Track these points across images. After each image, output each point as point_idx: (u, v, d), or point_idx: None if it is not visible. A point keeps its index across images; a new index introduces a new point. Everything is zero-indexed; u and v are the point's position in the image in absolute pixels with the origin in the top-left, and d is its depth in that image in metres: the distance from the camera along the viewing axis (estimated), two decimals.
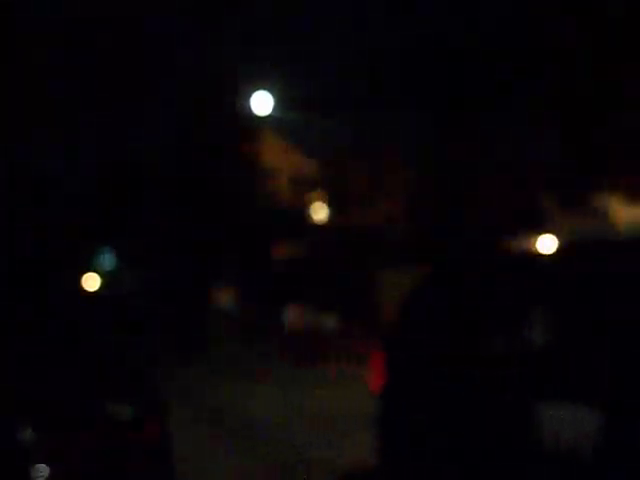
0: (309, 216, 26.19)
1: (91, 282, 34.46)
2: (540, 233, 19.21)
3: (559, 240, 17.71)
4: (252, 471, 8.61)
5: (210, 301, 21.15)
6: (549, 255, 12.41)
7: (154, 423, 6.87)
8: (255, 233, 23.66)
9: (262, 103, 20.76)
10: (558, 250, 11.59)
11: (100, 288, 33.86)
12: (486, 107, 18.53)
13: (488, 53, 18.16)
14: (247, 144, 26.27)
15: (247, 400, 13.18)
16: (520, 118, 17.71)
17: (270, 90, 20.85)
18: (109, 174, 26.85)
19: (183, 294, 22.51)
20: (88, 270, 34.25)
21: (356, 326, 18.76)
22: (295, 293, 19.80)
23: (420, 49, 21.17)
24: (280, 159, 26.68)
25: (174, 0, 25.22)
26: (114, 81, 23.61)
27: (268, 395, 13.44)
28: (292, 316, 18.21)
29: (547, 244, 18.84)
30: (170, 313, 21.49)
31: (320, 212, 26.17)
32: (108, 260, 32.61)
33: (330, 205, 25.86)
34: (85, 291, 34.06)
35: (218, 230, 23.51)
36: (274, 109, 21.04)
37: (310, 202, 26.31)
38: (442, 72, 20.04)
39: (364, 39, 25.46)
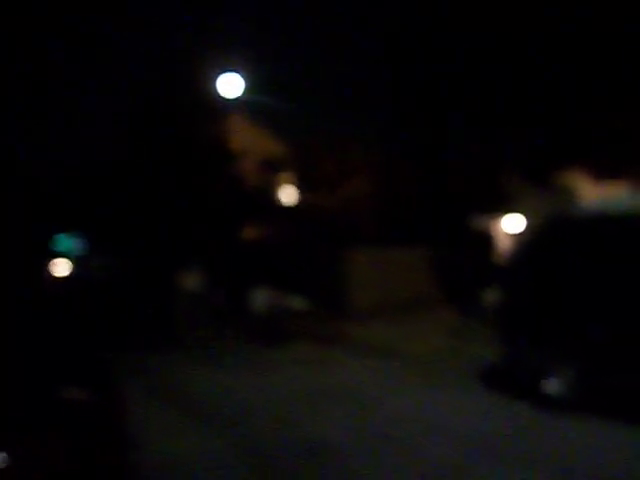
0: (278, 198, 26.13)
1: (62, 267, 34.42)
2: (507, 212, 19.33)
3: (527, 219, 17.83)
4: (221, 453, 8.61)
5: (178, 284, 21.03)
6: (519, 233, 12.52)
7: (110, 408, 6.84)
8: (223, 216, 23.58)
9: (232, 85, 20.61)
10: (526, 228, 11.73)
11: (71, 273, 33.82)
12: (454, 90, 18.57)
13: (456, 43, 18.22)
14: (215, 127, 26.10)
15: (216, 382, 13.17)
16: (486, 99, 17.76)
17: (241, 72, 20.70)
18: (76, 161, 26.62)
19: (151, 277, 22.38)
20: (58, 255, 34.20)
21: (324, 307, 18.83)
22: (263, 275, 19.76)
23: (388, 35, 21.18)
24: (248, 142, 26.54)
25: None
26: (81, 67, 23.41)
27: (236, 377, 13.45)
28: (260, 298, 18.18)
29: (515, 223, 18.99)
30: (138, 297, 21.36)
31: (289, 194, 26.12)
32: (79, 245, 32.51)
33: (299, 187, 25.81)
34: (54, 276, 33.98)
35: (186, 213, 23.38)
36: (245, 91, 20.90)
37: (279, 184, 26.25)
38: (409, 59, 20.05)
39: (337, 24, 25.42)
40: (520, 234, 17.70)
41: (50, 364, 6.71)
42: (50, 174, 28.52)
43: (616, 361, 8.71)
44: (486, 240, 20.56)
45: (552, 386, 9.27)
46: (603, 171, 15.79)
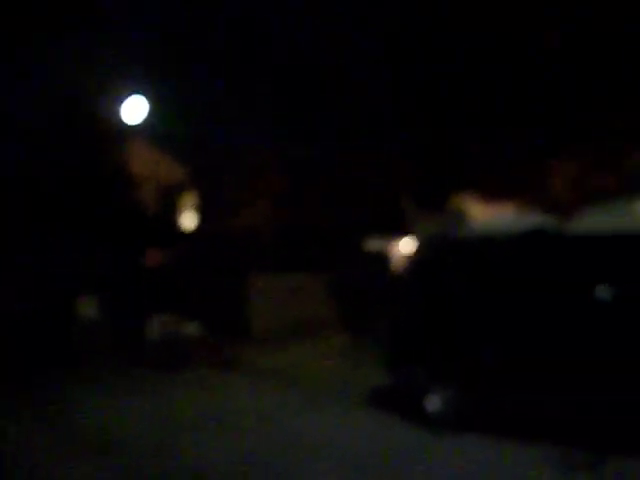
0: (179, 224, 25.79)
1: None
2: (403, 234, 19.57)
3: (419, 241, 18.03)
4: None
5: (76, 310, 20.62)
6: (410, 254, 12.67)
7: None
8: (122, 242, 23.13)
9: (136, 109, 20.36)
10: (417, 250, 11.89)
11: None
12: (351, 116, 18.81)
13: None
14: (115, 152, 25.70)
15: (106, 408, 12.94)
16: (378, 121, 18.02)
17: (145, 95, 20.47)
18: None
19: (47, 304, 21.82)
20: None
21: (223, 333, 18.72)
22: (160, 301, 19.54)
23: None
24: (149, 167, 26.18)
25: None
26: None
27: (126, 403, 13.24)
28: (154, 324, 17.98)
29: (410, 245, 19.22)
30: (35, 325, 20.86)
31: (190, 220, 25.83)
32: None
33: (200, 212, 25.57)
34: None
35: (84, 239, 22.85)
36: (148, 115, 20.68)
37: (180, 210, 25.93)
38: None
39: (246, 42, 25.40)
40: (411, 256, 17.89)
41: None
42: None
43: (496, 381, 8.81)
44: (382, 262, 20.75)
45: (433, 405, 9.36)
46: (492, 193, 16.15)
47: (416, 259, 11.45)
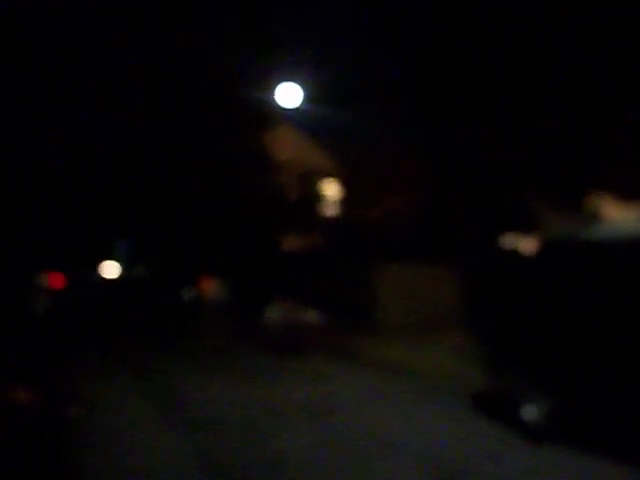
0: (319, 210, 25.94)
1: (110, 269, 35.18)
2: (530, 233, 18.80)
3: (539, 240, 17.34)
4: (181, 457, 8.65)
5: (199, 291, 21.17)
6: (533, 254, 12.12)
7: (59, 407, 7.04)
8: (258, 225, 23.52)
9: (290, 95, 20.73)
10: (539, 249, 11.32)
11: (120, 276, 34.61)
12: (480, 106, 18.32)
13: (486, 53, 18.01)
14: (263, 136, 26.16)
15: (210, 389, 13.25)
16: (510, 117, 17.44)
17: (300, 83, 20.80)
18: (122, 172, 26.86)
19: (178, 283, 22.49)
20: (107, 258, 34.95)
21: (348, 322, 18.70)
22: (286, 286, 19.75)
23: (433, 50, 21.02)
24: (295, 152, 26.49)
25: None
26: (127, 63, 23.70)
27: (231, 385, 13.49)
28: (276, 309, 18.20)
29: (531, 243, 18.44)
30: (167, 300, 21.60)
31: (330, 207, 25.94)
32: (126, 251, 33.14)
33: (341, 200, 25.63)
34: (103, 278, 34.74)
35: (220, 220, 23.39)
36: (303, 101, 21.01)
37: (321, 196, 26.08)
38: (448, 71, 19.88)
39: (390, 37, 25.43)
40: (532, 256, 17.18)
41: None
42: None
43: (603, 397, 8.27)
44: (516, 260, 20.04)
45: (530, 414, 8.91)
46: (631, 194, 15.24)
47: (536, 260, 10.94)
